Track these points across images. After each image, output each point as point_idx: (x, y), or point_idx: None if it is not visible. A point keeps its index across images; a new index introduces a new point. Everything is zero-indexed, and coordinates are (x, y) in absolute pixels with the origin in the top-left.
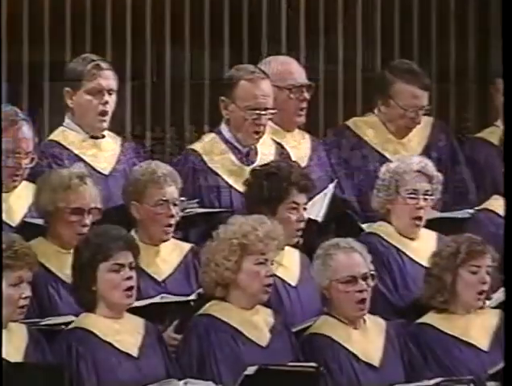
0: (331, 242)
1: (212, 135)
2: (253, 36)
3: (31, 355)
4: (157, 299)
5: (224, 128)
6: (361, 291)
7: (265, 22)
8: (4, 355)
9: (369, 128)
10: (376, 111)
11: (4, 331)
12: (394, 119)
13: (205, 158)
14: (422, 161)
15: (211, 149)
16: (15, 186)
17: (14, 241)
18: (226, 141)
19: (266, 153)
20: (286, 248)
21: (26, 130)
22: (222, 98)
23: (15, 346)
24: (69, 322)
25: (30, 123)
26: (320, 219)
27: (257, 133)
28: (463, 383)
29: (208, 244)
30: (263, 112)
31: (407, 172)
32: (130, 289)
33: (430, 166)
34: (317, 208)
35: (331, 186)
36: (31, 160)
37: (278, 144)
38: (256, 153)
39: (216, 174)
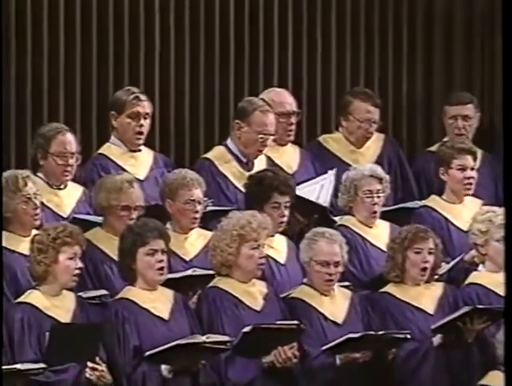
0: (319, 230)
1: (221, 147)
2: (252, 68)
3: (78, 316)
4: (189, 272)
5: (230, 142)
6: (329, 274)
7: (262, 57)
8: (56, 317)
9: (334, 142)
10: (340, 128)
11: (58, 297)
12: (354, 131)
13: (216, 164)
14: (373, 167)
15: (220, 157)
16: (67, 180)
17: (67, 225)
18: (231, 153)
19: (259, 163)
20: (277, 235)
21: (70, 136)
22: (237, 121)
23: (66, 309)
24: (102, 295)
25: (74, 133)
26: (327, 204)
27: (261, 151)
28: (401, 334)
29: (214, 232)
30: (270, 137)
31: (363, 177)
32: (161, 269)
33: (380, 171)
34: (324, 194)
35: (331, 173)
36: (77, 159)
37: (268, 157)
38: (253, 163)
39: (225, 177)
